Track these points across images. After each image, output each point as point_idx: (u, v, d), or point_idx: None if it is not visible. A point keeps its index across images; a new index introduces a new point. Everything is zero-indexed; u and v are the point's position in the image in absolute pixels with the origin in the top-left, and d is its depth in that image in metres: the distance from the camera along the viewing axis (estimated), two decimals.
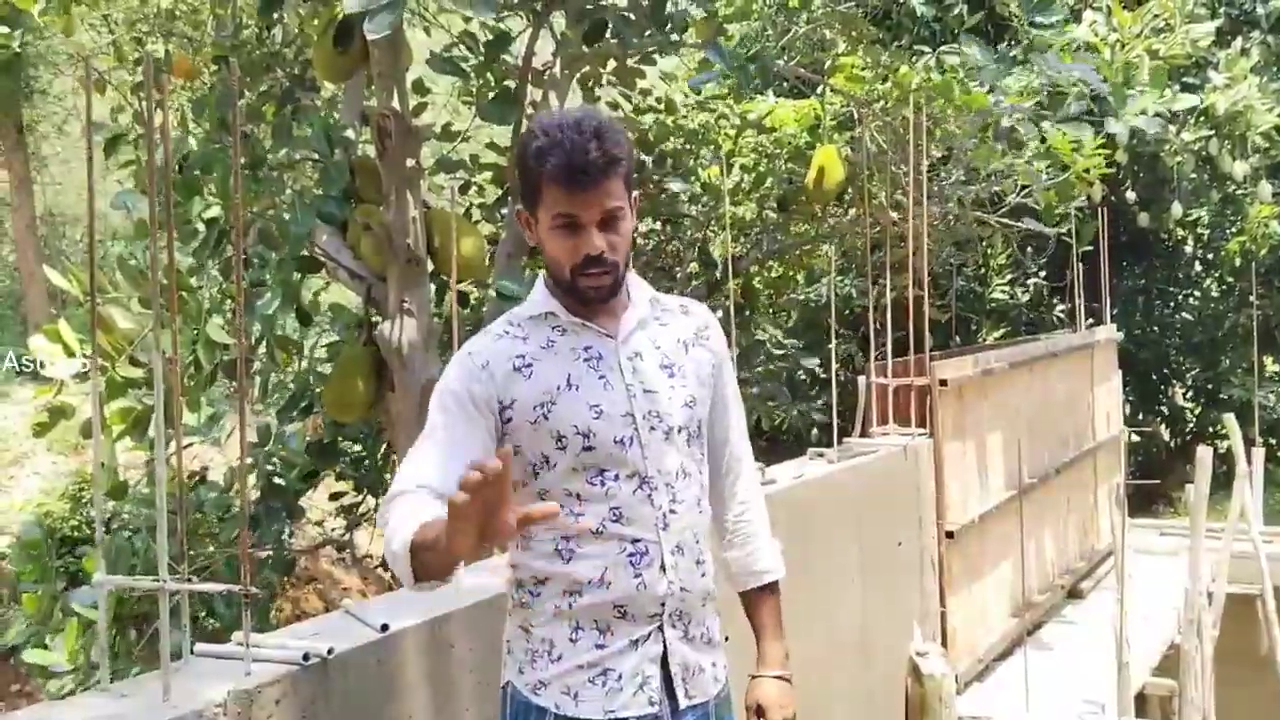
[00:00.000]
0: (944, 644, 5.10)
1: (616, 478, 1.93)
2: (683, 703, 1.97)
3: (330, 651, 2.20)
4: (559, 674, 1.93)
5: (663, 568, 1.94)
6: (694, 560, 2.00)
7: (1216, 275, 12.36)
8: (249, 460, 5.40)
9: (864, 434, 5.16)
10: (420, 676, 2.45)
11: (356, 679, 2.28)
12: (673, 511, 1.96)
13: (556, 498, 1.92)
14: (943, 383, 5.06)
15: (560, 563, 1.93)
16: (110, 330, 4.51)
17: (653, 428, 1.96)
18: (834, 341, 4.93)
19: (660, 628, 1.96)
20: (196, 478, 5.60)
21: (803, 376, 8.19)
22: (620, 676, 1.93)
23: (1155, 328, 12.37)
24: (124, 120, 5.92)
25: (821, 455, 4.55)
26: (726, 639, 2.15)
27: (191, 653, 2.20)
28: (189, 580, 2.11)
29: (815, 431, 9.91)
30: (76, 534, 7.61)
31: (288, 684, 2.12)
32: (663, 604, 1.95)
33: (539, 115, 2.02)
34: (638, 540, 1.93)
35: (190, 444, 5.78)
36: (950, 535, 5.17)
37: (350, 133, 5.32)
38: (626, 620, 1.93)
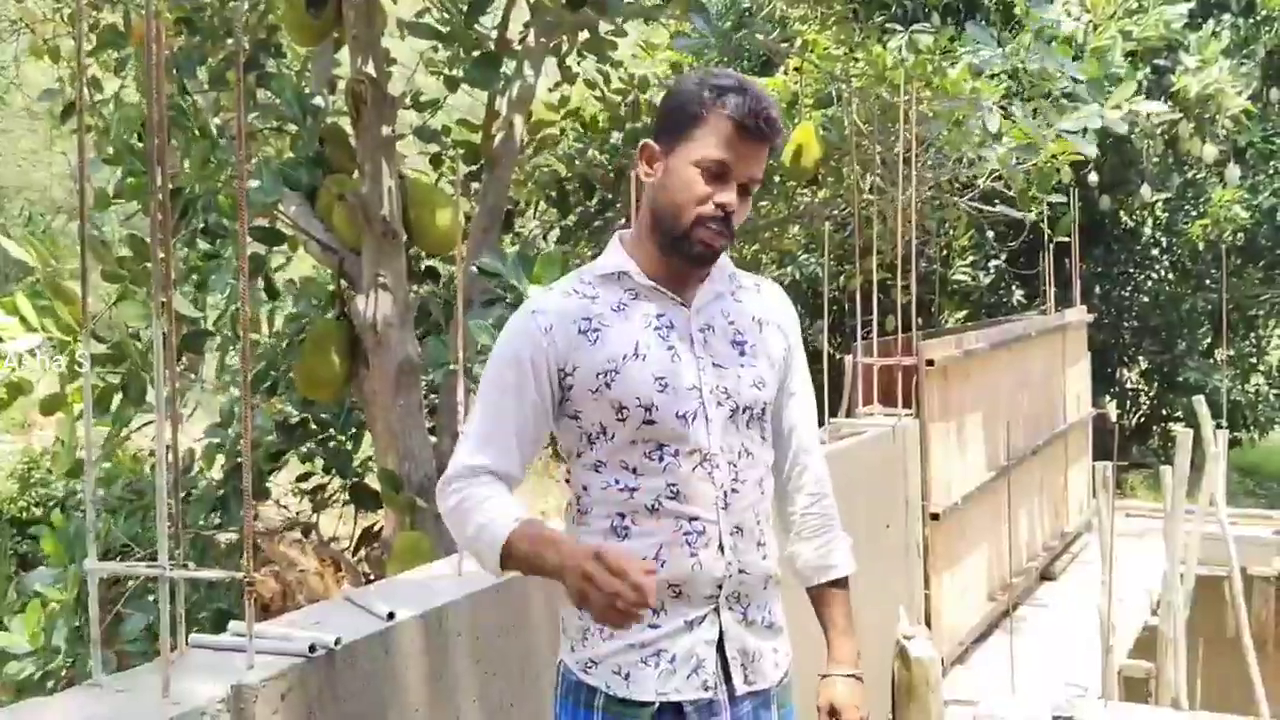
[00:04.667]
0: (928, 627, 5.05)
1: (676, 454, 1.84)
2: (740, 689, 1.89)
3: (337, 642, 2.06)
4: (610, 653, 1.86)
5: (720, 548, 1.85)
6: (755, 542, 1.91)
7: (1174, 259, 12.45)
8: (215, 441, 5.22)
9: (849, 415, 5.09)
10: (426, 666, 2.32)
11: (364, 670, 2.15)
12: (734, 490, 1.88)
13: (612, 469, 1.86)
14: (929, 363, 4.99)
15: (615, 540, 1.84)
16: (71, 303, 4.31)
17: (719, 404, 1.87)
18: (826, 319, 4.83)
19: (716, 610, 1.87)
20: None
21: None
22: (674, 658, 1.84)
23: (1112, 310, 12.45)
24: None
25: None
26: None
27: (187, 643, 2.05)
28: (186, 566, 1.96)
29: None
30: (25, 515, 7.36)
31: (294, 677, 1.98)
32: (720, 585, 1.86)
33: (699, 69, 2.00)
34: (695, 519, 1.84)
35: (149, 422, 5.57)
36: (935, 517, 5.12)
37: (319, 100, 5.14)
38: (681, 600, 1.85)
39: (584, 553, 1.65)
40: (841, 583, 2.10)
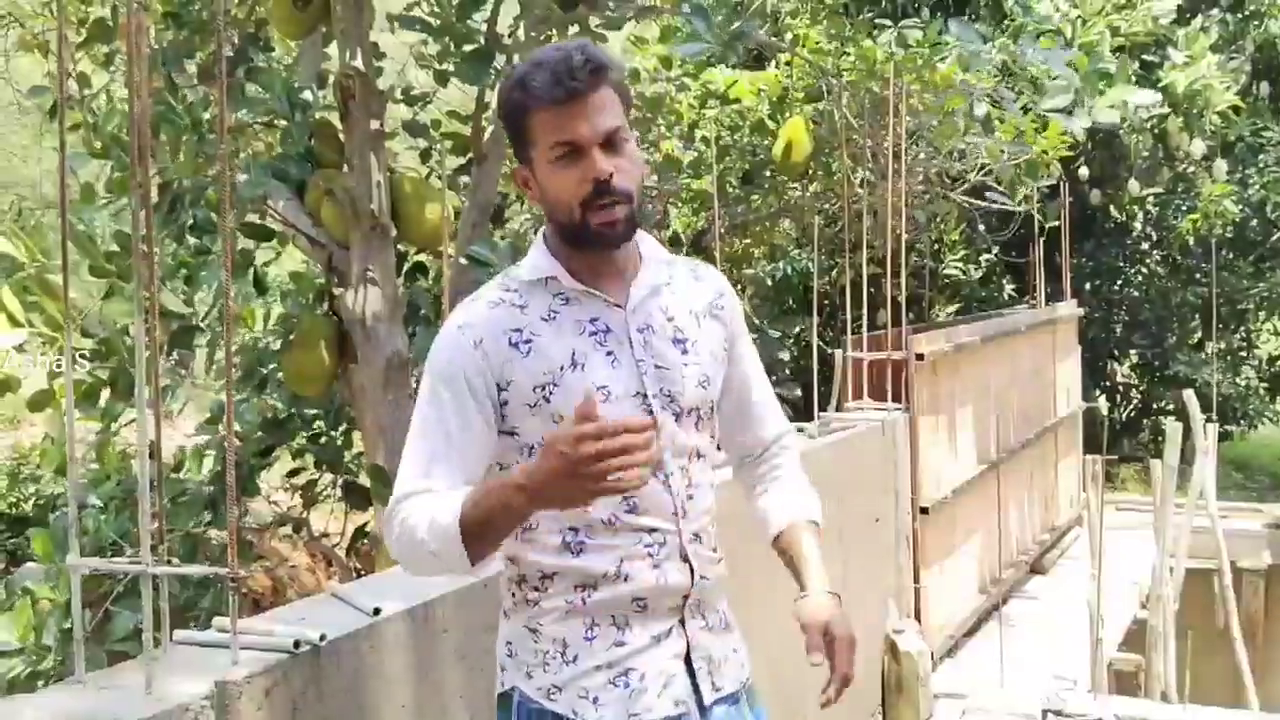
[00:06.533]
0: (918, 621, 5.05)
1: None
2: (709, 697, 1.80)
3: (323, 638, 2.06)
4: (575, 676, 1.75)
5: (684, 557, 1.77)
6: (710, 547, 1.83)
7: (1164, 253, 12.48)
8: (205, 438, 5.21)
9: (839, 409, 5.09)
10: (413, 663, 2.32)
11: (349, 666, 2.14)
12: (690, 497, 1.79)
13: None
14: (919, 357, 4.99)
15: (569, 556, 1.74)
16: (58, 298, 4.30)
17: (663, 408, 1.76)
18: (815, 315, 4.83)
19: (682, 621, 1.79)
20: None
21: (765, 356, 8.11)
22: (643, 676, 1.75)
23: (1102, 304, 12.48)
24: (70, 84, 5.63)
25: (802, 430, 4.46)
26: None
27: (171, 639, 2.04)
28: (169, 562, 1.95)
29: None
30: (15, 510, 7.34)
31: (278, 673, 1.97)
32: (685, 596, 1.78)
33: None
34: (655, 530, 1.75)
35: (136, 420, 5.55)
36: (925, 511, 5.12)
37: (307, 94, 5.12)
38: (646, 614, 1.76)
39: (562, 438, 1.47)
40: (817, 525, 1.97)
